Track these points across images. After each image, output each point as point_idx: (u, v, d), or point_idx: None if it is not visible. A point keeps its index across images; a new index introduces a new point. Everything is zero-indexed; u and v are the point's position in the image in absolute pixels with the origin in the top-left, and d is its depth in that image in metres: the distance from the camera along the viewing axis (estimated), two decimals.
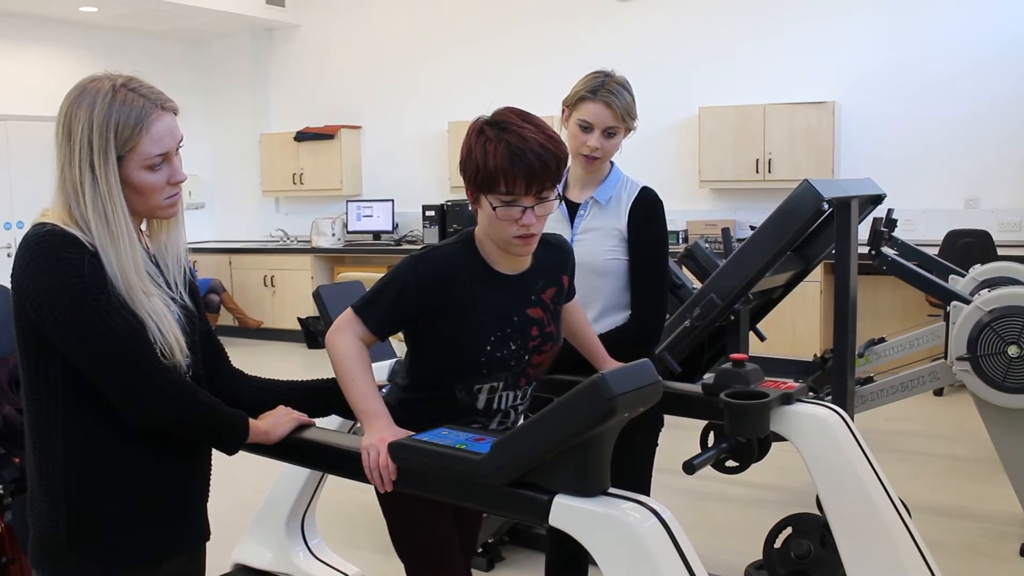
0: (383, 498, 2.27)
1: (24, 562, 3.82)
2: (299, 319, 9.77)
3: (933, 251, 6.00)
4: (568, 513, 1.69)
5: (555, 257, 2.28)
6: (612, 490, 1.73)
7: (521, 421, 2.28)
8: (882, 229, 4.85)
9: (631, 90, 2.74)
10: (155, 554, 1.89)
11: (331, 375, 2.23)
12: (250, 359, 2.28)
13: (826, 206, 3.15)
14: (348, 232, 10.16)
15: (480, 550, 4.17)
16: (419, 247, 2.24)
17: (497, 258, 2.15)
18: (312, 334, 9.77)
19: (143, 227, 1.93)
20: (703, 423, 2.69)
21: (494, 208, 2.02)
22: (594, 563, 3.09)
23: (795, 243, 3.48)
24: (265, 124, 10.91)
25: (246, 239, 11.06)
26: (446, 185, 9.60)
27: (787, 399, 2.34)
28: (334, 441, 2.07)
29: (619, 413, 1.62)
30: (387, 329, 2.16)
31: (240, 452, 2.02)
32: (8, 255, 8.52)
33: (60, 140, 1.78)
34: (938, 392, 6.95)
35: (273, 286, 10.16)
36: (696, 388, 2.46)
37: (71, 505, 1.80)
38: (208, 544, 2.10)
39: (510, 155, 1.98)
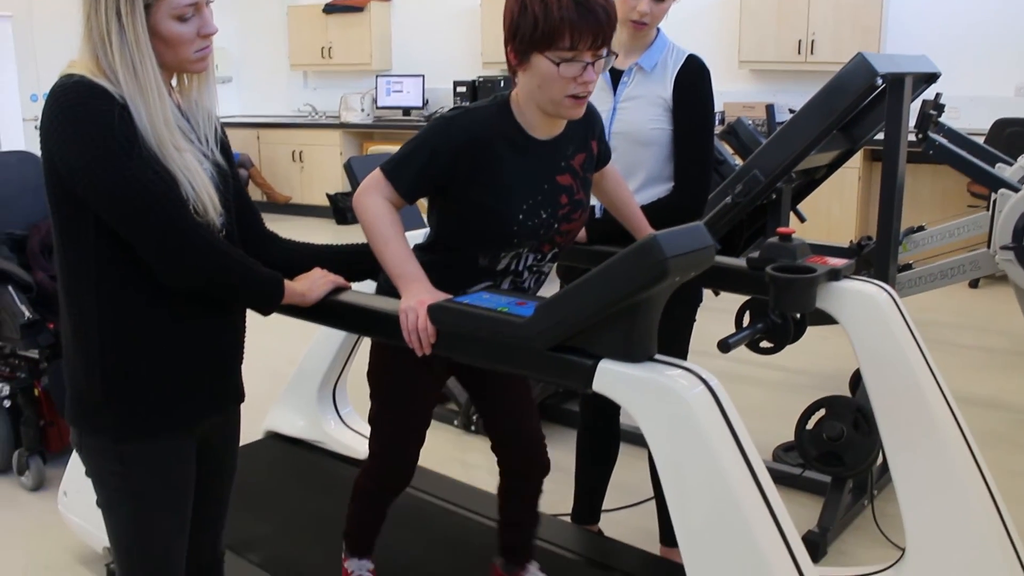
0: (374, 348, 2.29)
1: (61, 425, 3.89)
2: (328, 195, 9.68)
3: (979, 140, 5.84)
4: (613, 378, 1.65)
5: (581, 121, 2.18)
6: (658, 356, 1.68)
7: (533, 282, 2.23)
8: (930, 112, 4.70)
9: None
10: (191, 412, 1.88)
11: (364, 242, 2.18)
12: (278, 234, 2.23)
13: (879, 82, 3.03)
14: (377, 108, 10.03)
15: None
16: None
17: (535, 123, 2.07)
18: (341, 210, 9.70)
19: (173, 83, 1.86)
20: (736, 307, 2.64)
21: (557, 64, 1.92)
22: (626, 440, 3.11)
23: (844, 120, 3.36)
24: None
25: (274, 114, 10.96)
26: (478, 60, 9.39)
27: (834, 275, 2.26)
28: (372, 304, 2.02)
29: (671, 276, 1.55)
30: (417, 193, 2.09)
31: (274, 316, 1.98)
32: (35, 127, 8.44)
33: None
34: (973, 284, 6.87)
35: (301, 161, 10.09)
36: (740, 262, 2.39)
37: (106, 363, 1.77)
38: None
39: (576, 7, 1.88)
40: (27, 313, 3.63)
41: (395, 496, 2.44)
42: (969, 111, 7.34)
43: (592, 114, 2.24)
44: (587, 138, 2.21)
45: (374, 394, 2.33)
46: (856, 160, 7.10)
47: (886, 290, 2.29)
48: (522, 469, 2.45)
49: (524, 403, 2.44)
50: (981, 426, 4.22)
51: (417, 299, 1.91)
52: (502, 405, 2.42)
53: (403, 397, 2.29)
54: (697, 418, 1.58)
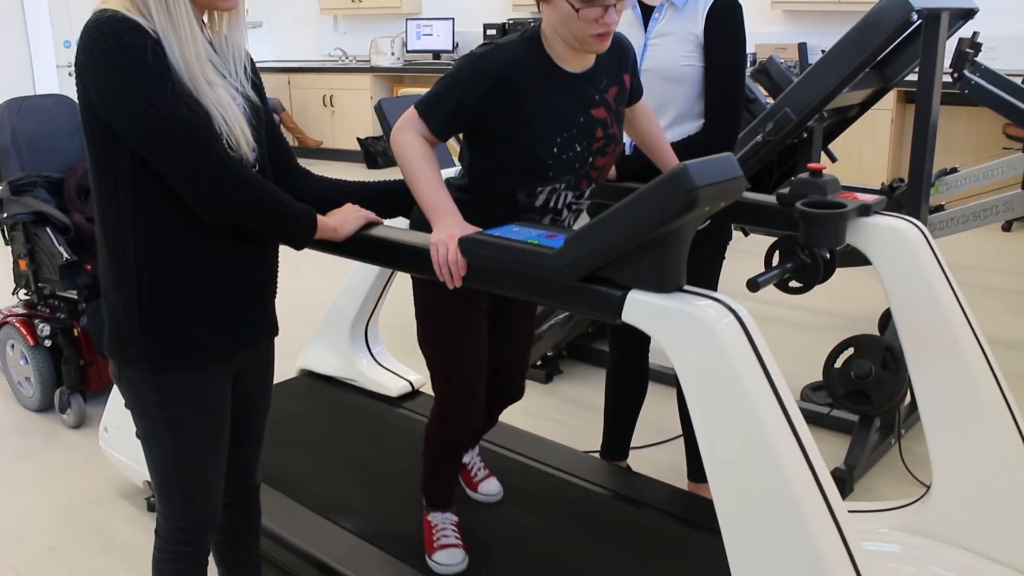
0: (417, 291, 2.30)
1: (100, 364, 3.96)
2: (359, 139, 9.76)
3: (1016, 81, 5.74)
4: (642, 308, 1.66)
5: (614, 54, 2.17)
6: (687, 287, 1.69)
7: (572, 220, 2.24)
8: (967, 51, 4.62)
9: None
10: (226, 343, 1.91)
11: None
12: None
13: (915, 17, 2.99)
14: (407, 51, 9.98)
15: (539, 363, 4.23)
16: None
17: (564, 55, 2.06)
18: (371, 154, 9.77)
19: (204, 20, 1.87)
20: (764, 249, 2.64)
21: (576, 9, 1.92)
22: (654, 379, 3.13)
23: (877, 57, 3.32)
24: None
25: (304, 59, 10.93)
26: (508, 2, 9.31)
27: (865, 210, 2.25)
28: (403, 238, 2.04)
29: (701, 206, 1.56)
30: (449, 130, 2.11)
31: (308, 257, 2.00)
32: (69, 73, 8.50)
33: None
34: (1006, 226, 6.80)
35: (332, 106, 10.08)
36: (771, 199, 2.38)
37: (143, 296, 1.81)
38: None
39: None
40: (65, 254, 3.69)
41: (467, 438, 2.39)
42: (1007, 51, 7.20)
43: (624, 46, 2.23)
44: (620, 71, 2.20)
45: (423, 335, 2.32)
46: (888, 102, 7.00)
47: (917, 226, 2.27)
48: (502, 390, 2.55)
49: (529, 332, 2.54)
50: (1012, 368, 4.21)
51: (448, 232, 1.93)
52: (512, 332, 2.48)
53: (451, 330, 2.28)
54: (726, 348, 1.59)
